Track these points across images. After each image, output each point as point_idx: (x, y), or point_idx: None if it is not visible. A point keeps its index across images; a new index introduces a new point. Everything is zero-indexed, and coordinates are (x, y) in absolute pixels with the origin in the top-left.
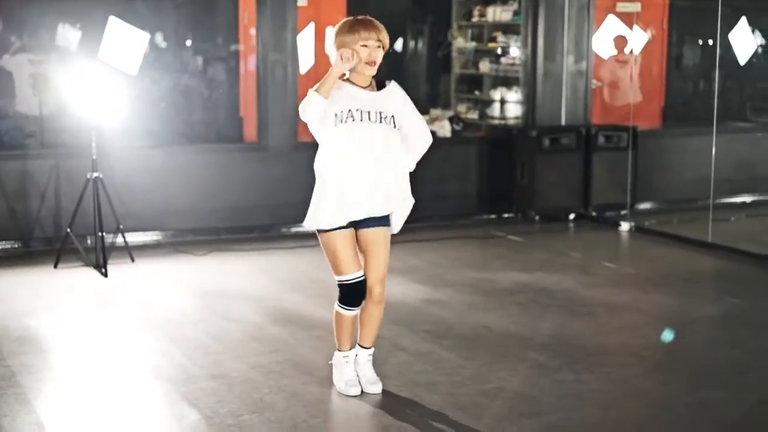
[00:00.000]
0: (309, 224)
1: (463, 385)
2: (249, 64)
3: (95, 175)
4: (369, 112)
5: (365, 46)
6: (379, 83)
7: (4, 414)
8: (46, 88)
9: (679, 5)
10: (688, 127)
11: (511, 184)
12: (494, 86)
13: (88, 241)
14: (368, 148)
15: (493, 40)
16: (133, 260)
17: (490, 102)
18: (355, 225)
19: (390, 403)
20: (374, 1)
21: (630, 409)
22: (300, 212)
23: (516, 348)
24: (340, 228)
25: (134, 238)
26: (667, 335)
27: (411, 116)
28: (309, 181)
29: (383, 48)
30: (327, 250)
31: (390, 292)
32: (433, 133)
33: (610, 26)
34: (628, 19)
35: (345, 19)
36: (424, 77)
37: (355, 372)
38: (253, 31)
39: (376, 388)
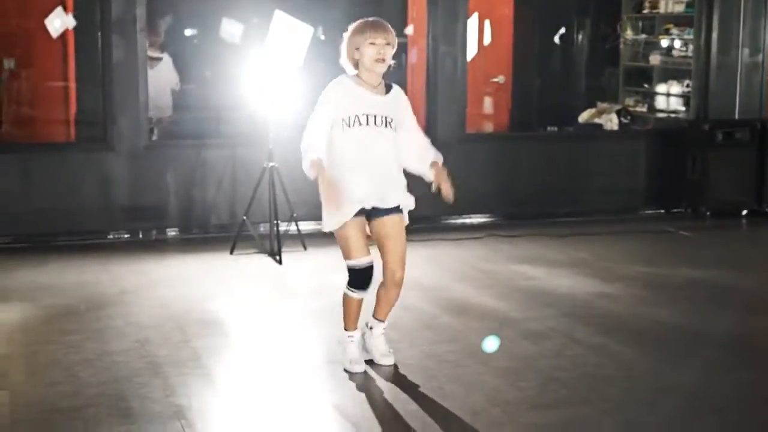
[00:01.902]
0: (329, 227)
1: (640, 380)
2: (416, 57)
3: (271, 164)
4: (376, 116)
5: (373, 44)
6: (386, 86)
7: (191, 394)
8: (224, 79)
9: None
10: None
11: (681, 179)
12: (664, 79)
13: (260, 229)
14: (375, 149)
15: (665, 32)
16: (305, 248)
17: (659, 95)
18: (368, 216)
19: (568, 395)
20: None
21: None
22: (467, 204)
23: (692, 344)
24: (355, 216)
25: (305, 226)
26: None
27: (411, 127)
28: (475, 172)
29: (392, 47)
30: (340, 238)
31: (558, 284)
32: (600, 125)
33: None
34: None
35: (355, 23)
36: (591, 70)
37: (359, 351)
38: (420, 24)
39: (387, 360)
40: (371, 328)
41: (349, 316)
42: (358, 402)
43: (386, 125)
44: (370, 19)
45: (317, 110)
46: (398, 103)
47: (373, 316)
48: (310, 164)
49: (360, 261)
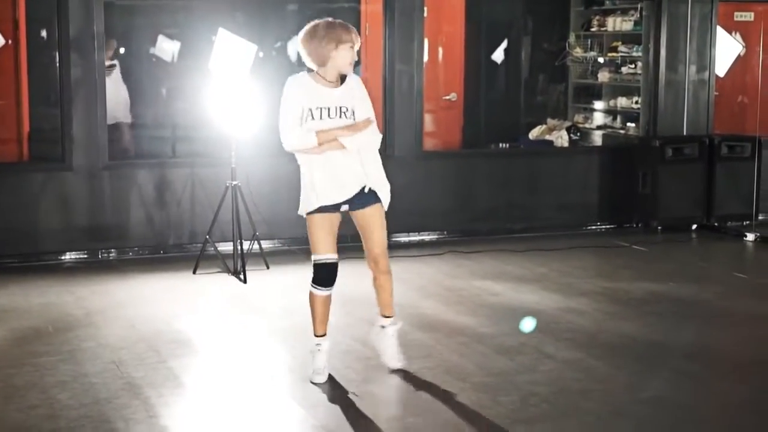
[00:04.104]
0: (301, 210)
1: (618, 393)
2: (370, 75)
3: (234, 183)
4: (329, 109)
5: (352, 47)
6: (341, 77)
7: (173, 414)
8: (185, 98)
9: None
10: None
11: (632, 194)
12: (613, 96)
13: (219, 247)
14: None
15: (613, 49)
16: (268, 267)
17: (608, 112)
18: (349, 207)
19: (549, 409)
20: (489, 10)
21: None
22: (424, 221)
23: (664, 357)
24: (324, 211)
25: (267, 245)
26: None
27: (366, 112)
28: (432, 189)
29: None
30: (309, 231)
31: (524, 300)
32: (550, 142)
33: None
34: (744, 28)
35: (322, 23)
36: (541, 87)
37: (325, 361)
38: (375, 43)
39: (398, 363)
40: (383, 327)
41: (316, 316)
42: (340, 421)
43: (341, 115)
44: (337, 21)
45: (285, 107)
46: (352, 91)
47: (381, 314)
48: (311, 142)
49: (326, 256)
